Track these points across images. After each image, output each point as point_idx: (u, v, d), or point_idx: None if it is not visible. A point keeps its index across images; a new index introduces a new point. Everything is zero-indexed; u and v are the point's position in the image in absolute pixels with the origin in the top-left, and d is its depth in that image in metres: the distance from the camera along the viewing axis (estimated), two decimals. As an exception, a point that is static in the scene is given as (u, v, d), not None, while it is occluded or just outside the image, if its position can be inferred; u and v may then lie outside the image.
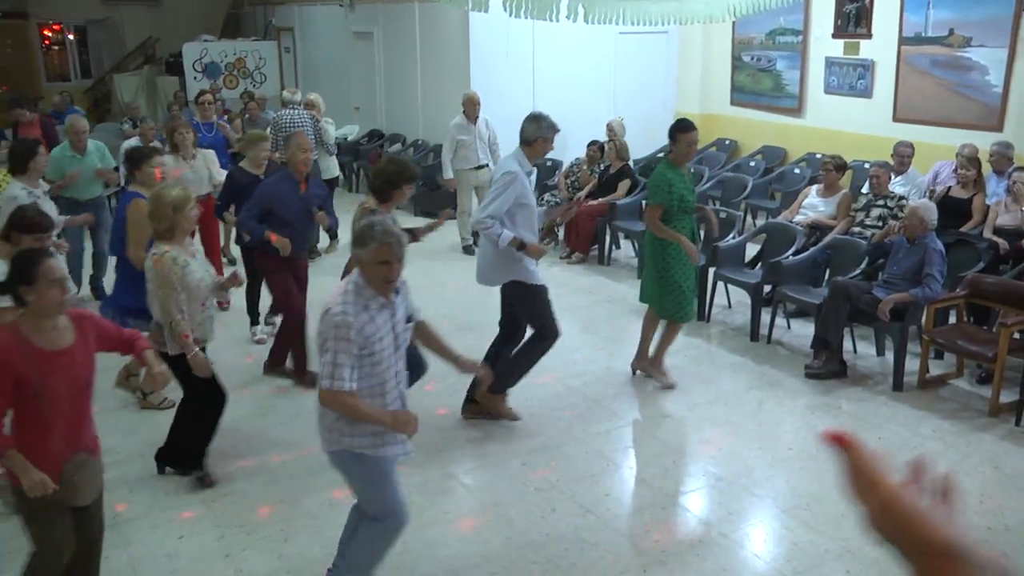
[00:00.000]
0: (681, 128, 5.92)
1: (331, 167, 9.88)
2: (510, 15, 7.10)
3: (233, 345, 6.89)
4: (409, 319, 3.72)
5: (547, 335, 5.53)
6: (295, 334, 6.27)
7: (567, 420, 5.79)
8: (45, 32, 18.41)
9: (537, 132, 5.46)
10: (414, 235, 5.26)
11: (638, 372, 6.37)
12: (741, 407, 5.96)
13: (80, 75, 18.73)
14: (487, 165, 9.72)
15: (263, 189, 6.12)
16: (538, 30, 10.72)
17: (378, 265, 3.43)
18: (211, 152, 8.06)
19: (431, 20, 11.92)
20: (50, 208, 6.34)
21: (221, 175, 7.66)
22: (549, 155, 10.81)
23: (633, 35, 11.00)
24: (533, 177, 5.43)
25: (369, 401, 3.50)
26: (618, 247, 9.59)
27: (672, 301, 6.04)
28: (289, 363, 6.38)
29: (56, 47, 18.77)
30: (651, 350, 6.31)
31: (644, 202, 5.81)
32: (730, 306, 7.82)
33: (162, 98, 16.00)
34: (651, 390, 6.23)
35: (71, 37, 18.62)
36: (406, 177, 5.10)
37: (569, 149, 10.66)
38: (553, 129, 5.50)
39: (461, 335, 5.77)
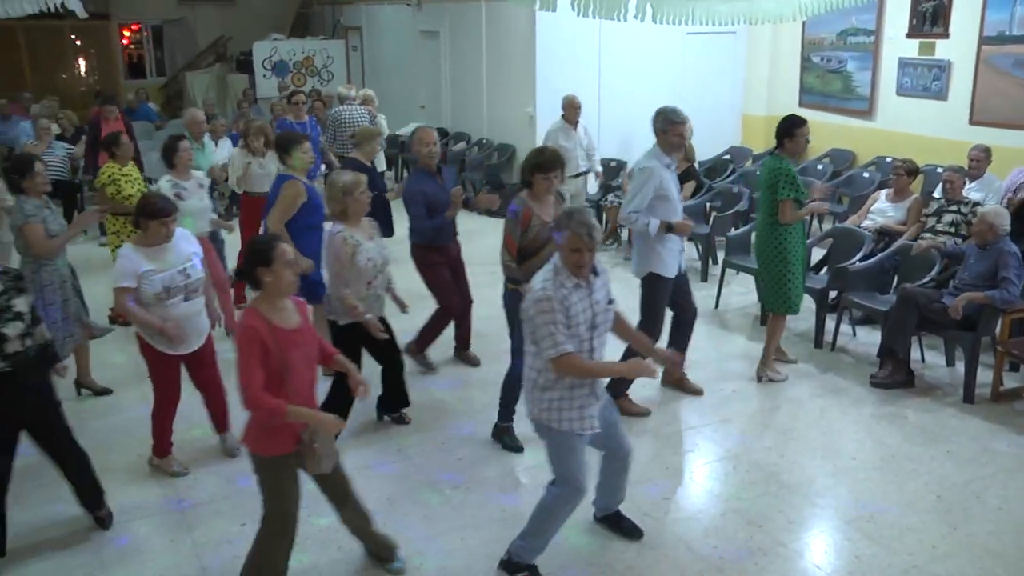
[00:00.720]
0: (798, 123, 6.01)
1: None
2: (578, 15, 7.07)
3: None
4: (611, 302, 3.90)
5: (654, 333, 5.66)
6: (442, 326, 6.49)
7: (628, 420, 5.74)
8: (124, 32, 18.93)
9: (657, 126, 5.65)
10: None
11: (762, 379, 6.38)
12: (803, 414, 5.86)
13: (155, 73, 19.23)
14: (586, 172, 9.69)
15: (414, 194, 6.15)
16: (604, 30, 10.69)
17: (571, 252, 3.67)
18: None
19: (497, 19, 11.96)
20: (199, 198, 6.64)
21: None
22: (612, 155, 10.94)
23: (700, 35, 10.90)
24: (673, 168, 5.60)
25: (570, 382, 3.78)
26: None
27: (786, 293, 6.10)
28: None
29: (133, 46, 19.29)
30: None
31: (778, 198, 5.89)
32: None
33: (232, 95, 16.32)
34: (710, 394, 6.16)
35: (148, 36, 19.11)
36: (536, 164, 5.16)
37: (634, 150, 10.61)
38: (668, 120, 5.59)
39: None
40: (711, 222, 9.29)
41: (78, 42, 18.37)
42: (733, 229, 8.60)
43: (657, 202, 5.57)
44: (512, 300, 5.13)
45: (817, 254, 7.76)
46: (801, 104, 11.53)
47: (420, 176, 6.24)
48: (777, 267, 6.10)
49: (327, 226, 5.36)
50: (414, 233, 6.23)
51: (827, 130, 11.11)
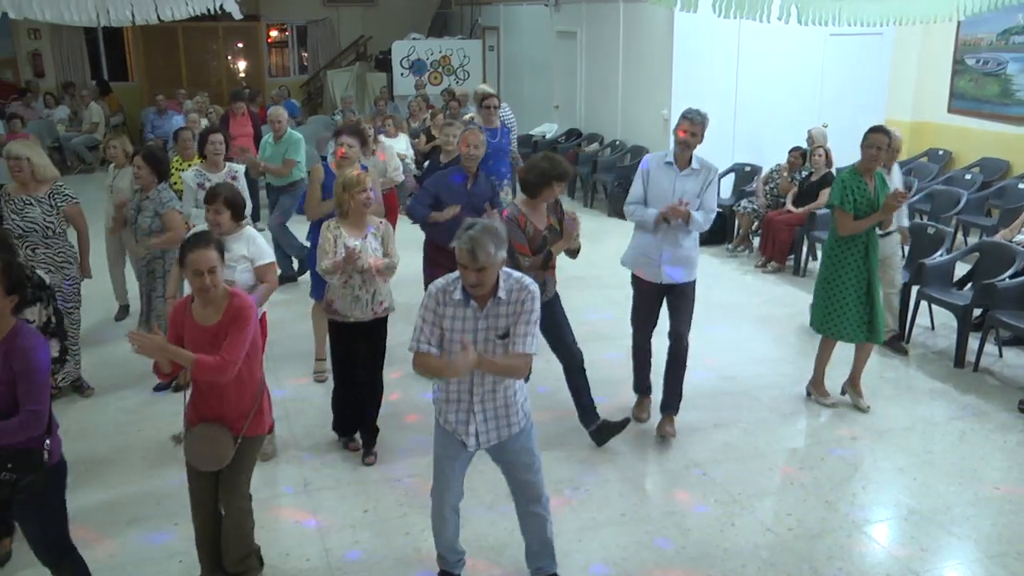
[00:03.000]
0: (871, 130, 5.73)
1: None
2: (719, 15, 6.93)
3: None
4: (503, 336, 3.58)
5: (636, 339, 5.71)
6: None
7: (751, 433, 5.62)
8: (271, 32, 19.76)
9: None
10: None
11: (845, 392, 6.14)
12: (940, 437, 5.58)
13: (298, 71, 19.99)
14: None
15: (433, 179, 6.30)
16: (744, 31, 10.46)
17: (460, 266, 3.46)
18: (392, 147, 8.50)
19: (635, 20, 11.87)
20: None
21: (397, 172, 8.07)
22: (747, 160, 10.70)
23: (845, 36, 10.53)
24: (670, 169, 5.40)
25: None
26: (815, 258, 9.20)
27: (829, 313, 5.79)
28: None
29: (278, 46, 20.11)
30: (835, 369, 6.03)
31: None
32: (933, 328, 7.33)
33: (370, 93, 16.78)
34: (842, 411, 5.94)
35: (292, 36, 19.88)
36: (558, 174, 5.07)
37: (769, 154, 10.35)
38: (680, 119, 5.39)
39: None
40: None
41: (228, 40, 19.28)
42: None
43: (648, 197, 5.44)
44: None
45: (961, 269, 7.37)
46: (950, 110, 10.99)
47: (453, 171, 6.27)
48: (821, 283, 5.82)
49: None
50: (423, 227, 6.28)
51: (979, 137, 10.53)
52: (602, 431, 5.41)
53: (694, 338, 5.60)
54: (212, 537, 3.96)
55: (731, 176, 10.88)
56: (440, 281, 3.59)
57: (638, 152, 11.95)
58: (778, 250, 9.09)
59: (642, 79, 11.86)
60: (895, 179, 6.74)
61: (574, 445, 5.46)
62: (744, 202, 9.83)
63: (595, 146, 12.89)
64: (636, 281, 5.58)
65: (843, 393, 6.11)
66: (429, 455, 5.26)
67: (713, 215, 5.45)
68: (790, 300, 8.24)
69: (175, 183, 7.17)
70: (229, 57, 19.56)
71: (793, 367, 6.62)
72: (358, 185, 5.00)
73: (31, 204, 5.84)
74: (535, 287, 3.62)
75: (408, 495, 4.90)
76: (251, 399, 3.88)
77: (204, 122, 11.54)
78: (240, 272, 4.87)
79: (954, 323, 6.84)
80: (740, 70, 11.07)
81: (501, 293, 3.54)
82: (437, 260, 6.19)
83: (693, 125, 5.28)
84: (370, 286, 5.10)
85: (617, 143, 12.61)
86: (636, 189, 5.50)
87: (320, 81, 18.71)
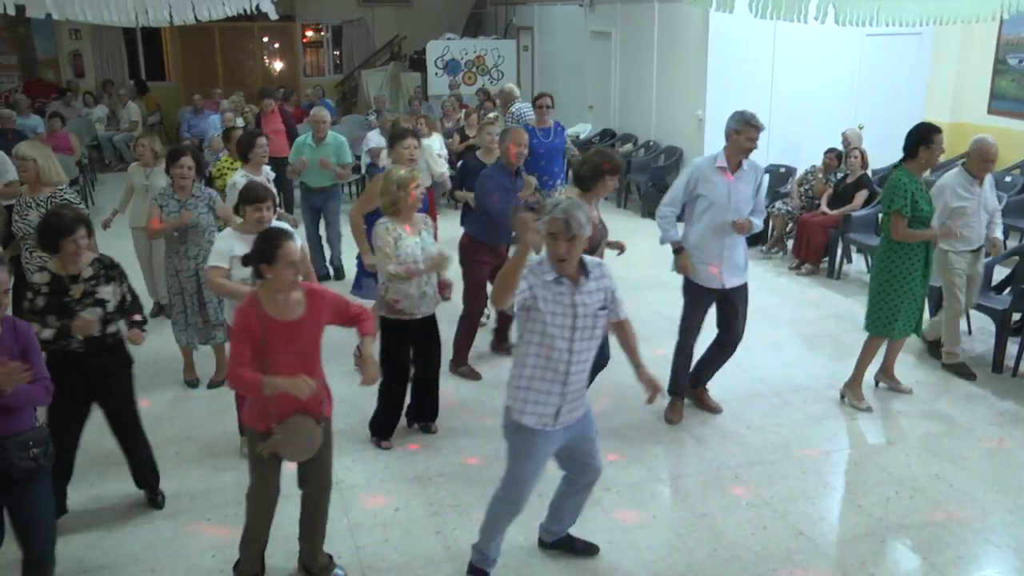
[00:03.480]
0: (935, 130, 5.63)
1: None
2: (755, 16, 6.87)
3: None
4: (603, 308, 3.73)
5: (683, 345, 5.77)
6: (471, 333, 6.53)
7: (784, 436, 5.58)
8: (307, 32, 19.91)
9: (731, 126, 5.36)
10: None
11: (880, 384, 6.13)
12: (976, 443, 5.49)
13: (332, 71, 20.13)
14: None
15: (489, 174, 6.36)
16: (780, 31, 10.37)
17: (549, 237, 3.54)
18: (433, 145, 8.48)
19: (670, 20, 11.81)
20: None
21: (441, 170, 8.08)
22: (782, 162, 10.60)
23: (882, 36, 10.41)
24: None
25: (532, 372, 3.69)
26: (849, 261, 9.12)
27: (884, 313, 5.74)
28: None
29: (313, 46, 20.26)
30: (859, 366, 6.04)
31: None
32: (970, 332, 7.21)
33: (404, 92, 16.84)
34: (875, 413, 5.88)
35: (327, 36, 20.02)
36: (611, 168, 5.08)
37: (804, 156, 10.26)
38: (746, 121, 5.28)
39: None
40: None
41: (264, 40, 19.45)
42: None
43: (699, 203, 5.41)
44: None
45: (1000, 273, 7.25)
46: (991, 111, 10.80)
47: (498, 168, 6.32)
48: (882, 285, 5.74)
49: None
50: (467, 222, 6.32)
51: (1020, 139, 10.34)
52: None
53: (727, 339, 5.62)
54: (266, 532, 4.05)
55: (766, 177, 10.76)
56: (530, 264, 3.63)
57: (672, 152, 11.91)
58: (812, 252, 9.00)
59: (676, 79, 11.80)
60: (987, 192, 6.46)
61: (605, 448, 5.44)
62: (778, 204, 9.74)
63: (629, 146, 12.85)
64: (691, 286, 5.58)
65: (877, 385, 6.08)
66: (458, 455, 5.33)
67: (764, 215, 5.49)
68: (824, 303, 8.16)
69: (219, 181, 7.26)
70: (265, 57, 19.73)
71: (826, 370, 6.56)
72: (412, 182, 5.07)
73: (31, 207, 5.92)
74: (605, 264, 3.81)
75: (439, 494, 4.91)
76: (323, 382, 3.93)
77: (239, 121, 11.67)
78: None
79: (992, 327, 6.73)
80: (775, 70, 10.98)
81: (590, 268, 3.70)
82: (477, 256, 6.32)
83: (758, 132, 5.32)
84: (432, 280, 5.22)
85: (651, 143, 12.55)
86: (676, 194, 5.48)
87: (355, 81, 18.82)
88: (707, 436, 5.56)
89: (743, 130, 5.26)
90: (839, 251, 8.91)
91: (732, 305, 5.58)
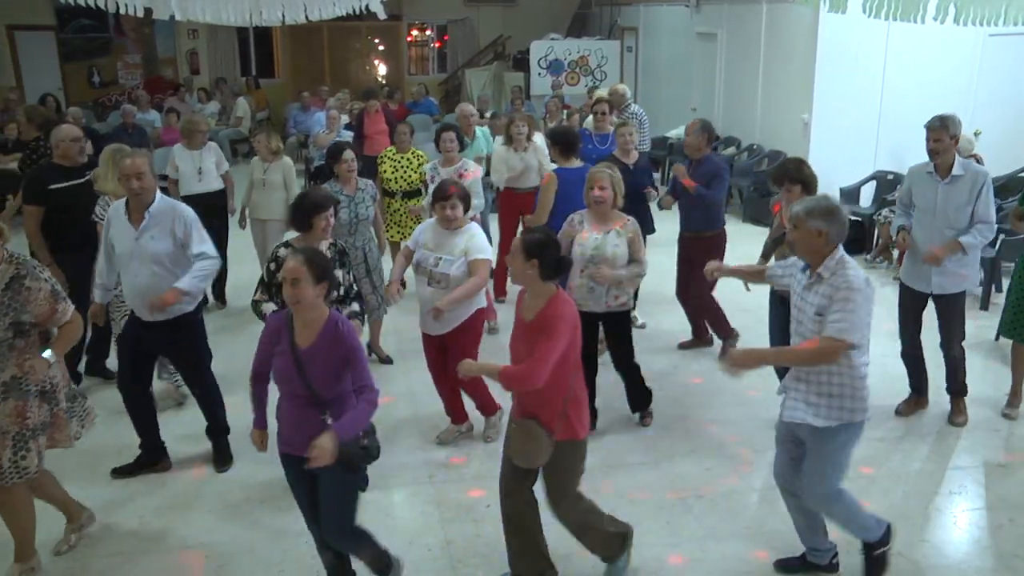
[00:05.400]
0: None
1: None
2: (869, 16, 6.65)
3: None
4: (819, 314, 3.71)
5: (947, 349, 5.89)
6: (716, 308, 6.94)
7: (884, 450, 5.40)
8: (412, 31, 20.22)
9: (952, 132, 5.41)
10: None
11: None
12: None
13: (436, 70, 20.38)
14: None
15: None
16: (893, 32, 10.01)
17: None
18: (543, 146, 8.42)
19: (778, 22, 11.56)
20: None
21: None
22: (889, 168, 10.24)
23: (1006, 37, 9.93)
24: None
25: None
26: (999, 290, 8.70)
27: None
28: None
29: (418, 45, 20.56)
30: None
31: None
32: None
33: (506, 92, 16.93)
34: (984, 434, 5.62)
35: (432, 35, 20.29)
36: (789, 177, 5.29)
37: (913, 162, 9.83)
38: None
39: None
40: (998, 245, 8.42)
41: (371, 40, 19.84)
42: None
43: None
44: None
45: None
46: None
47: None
48: (1021, 289, 5.56)
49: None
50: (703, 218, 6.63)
51: None
52: None
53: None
54: (522, 528, 3.98)
55: (872, 184, 10.46)
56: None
57: (775, 156, 11.62)
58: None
59: (782, 82, 11.54)
60: None
61: (701, 452, 5.38)
62: (885, 211, 9.41)
63: (732, 150, 12.63)
64: (902, 290, 5.77)
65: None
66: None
67: (991, 226, 5.34)
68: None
69: (385, 173, 7.51)
70: (371, 56, 20.11)
71: (930, 386, 6.30)
72: (597, 182, 5.16)
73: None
74: (859, 282, 3.59)
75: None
76: (560, 402, 3.73)
77: (344, 119, 11.93)
78: (457, 267, 5.00)
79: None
80: (887, 73, 10.62)
81: (821, 270, 3.65)
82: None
83: (934, 132, 5.26)
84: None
85: (755, 147, 12.30)
86: (903, 194, 5.77)
87: (458, 80, 19.02)
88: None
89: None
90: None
91: (942, 311, 5.74)
